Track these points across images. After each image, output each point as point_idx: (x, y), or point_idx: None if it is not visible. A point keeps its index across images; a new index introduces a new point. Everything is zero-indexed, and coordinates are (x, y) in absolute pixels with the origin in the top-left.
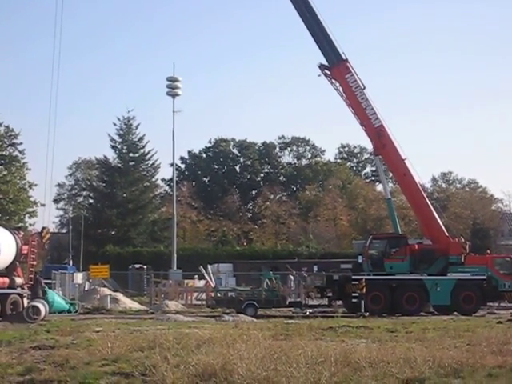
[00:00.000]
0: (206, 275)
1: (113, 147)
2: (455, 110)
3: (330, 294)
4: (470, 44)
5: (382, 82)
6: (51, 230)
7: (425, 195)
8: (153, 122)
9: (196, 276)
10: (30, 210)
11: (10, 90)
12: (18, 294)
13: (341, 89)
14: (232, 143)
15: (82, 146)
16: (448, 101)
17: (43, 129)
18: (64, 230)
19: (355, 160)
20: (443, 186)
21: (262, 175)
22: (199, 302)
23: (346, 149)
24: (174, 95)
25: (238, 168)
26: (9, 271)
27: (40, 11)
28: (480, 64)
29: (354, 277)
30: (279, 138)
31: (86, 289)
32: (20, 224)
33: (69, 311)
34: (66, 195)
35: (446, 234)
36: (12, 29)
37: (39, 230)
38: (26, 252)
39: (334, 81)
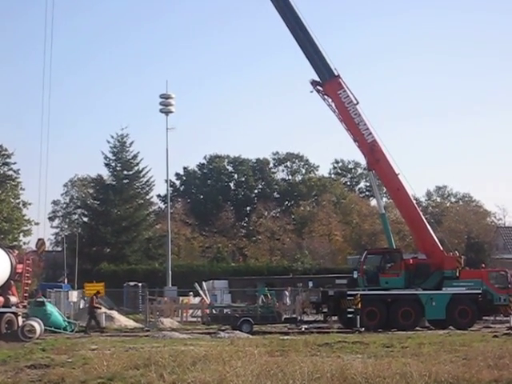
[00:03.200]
0: (201, 292)
1: (107, 165)
2: (449, 123)
3: (325, 310)
4: (466, 57)
5: (375, 96)
6: (46, 248)
7: (419, 210)
8: (147, 138)
9: (191, 293)
10: (25, 228)
11: (2, 107)
12: (13, 312)
13: (333, 105)
14: (226, 160)
15: (77, 163)
16: (442, 115)
17: (37, 146)
18: (59, 248)
19: (349, 175)
20: (438, 200)
21: (256, 191)
22: (194, 319)
23: (340, 164)
24: (167, 112)
25: (232, 184)
26: (3, 290)
27: (30, 27)
28: (474, 74)
29: (349, 292)
30: (273, 154)
31: (81, 307)
32: (14, 243)
33: (65, 329)
34: (60, 213)
35: (441, 248)
36: (2, 46)
37: (34, 248)
38: (20, 271)
39: (326, 97)
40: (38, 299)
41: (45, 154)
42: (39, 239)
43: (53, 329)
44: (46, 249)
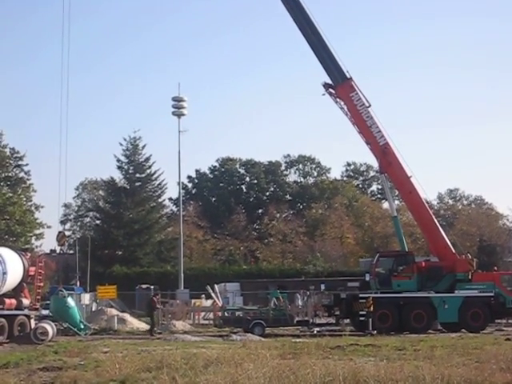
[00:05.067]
0: (213, 295)
1: (119, 168)
2: (461, 126)
3: (337, 313)
4: (481, 61)
5: (387, 98)
6: (58, 252)
7: (431, 212)
8: (159, 141)
9: (203, 295)
10: (37, 231)
11: (14, 110)
12: (26, 315)
13: (345, 107)
14: (238, 162)
15: (89, 167)
16: (454, 117)
17: (48, 149)
18: (71, 251)
19: (361, 178)
20: (450, 202)
21: (268, 194)
22: (206, 322)
23: (352, 167)
24: (179, 115)
25: (244, 187)
26: (16, 292)
27: (41, 29)
28: (488, 80)
29: (361, 295)
30: (285, 157)
31: (93, 309)
32: (26, 246)
33: (79, 329)
34: (72, 216)
35: (453, 251)
36: (15, 49)
37: (46, 251)
38: (33, 273)
39: (338, 99)
40: (61, 290)
41: (64, 160)
42: (60, 232)
43: (68, 325)
44: (58, 251)
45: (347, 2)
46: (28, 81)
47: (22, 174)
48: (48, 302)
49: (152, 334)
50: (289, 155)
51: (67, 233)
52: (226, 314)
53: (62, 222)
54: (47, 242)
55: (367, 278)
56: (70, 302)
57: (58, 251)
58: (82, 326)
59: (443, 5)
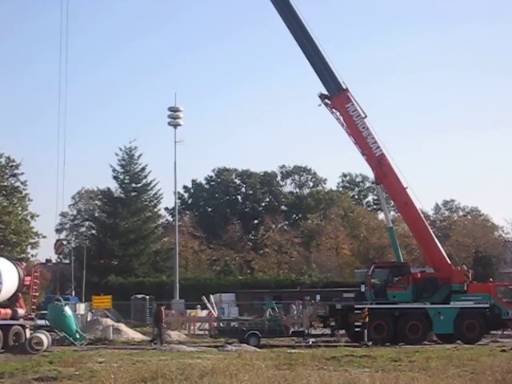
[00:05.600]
0: (208, 305)
1: (115, 178)
2: (457, 136)
3: (332, 324)
4: (472, 69)
5: (383, 108)
6: (53, 261)
7: (427, 223)
8: (155, 151)
9: (198, 306)
10: (32, 240)
11: (10, 119)
12: (21, 325)
13: (341, 118)
14: (234, 173)
15: (85, 176)
16: (450, 129)
17: (44, 157)
18: (66, 261)
19: (357, 189)
20: (446, 214)
21: (263, 204)
22: (202, 332)
23: (348, 177)
24: (175, 125)
25: (240, 197)
26: (11, 302)
27: (41, 37)
28: (483, 89)
29: (356, 306)
30: (280, 168)
31: (88, 319)
32: (22, 255)
33: (75, 339)
34: (68, 225)
35: (449, 262)
36: (11, 57)
37: (42, 261)
38: (28, 283)
39: (334, 110)
40: (58, 298)
41: (61, 169)
42: (57, 240)
43: (64, 334)
44: (54, 261)
45: (344, 8)
46: (23, 90)
47: (17, 184)
48: (43, 311)
49: (162, 343)
50: (284, 166)
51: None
52: (221, 324)
53: (58, 231)
54: (42, 252)
55: (363, 289)
56: (67, 310)
57: (55, 259)
58: (78, 336)
59: (439, 9)
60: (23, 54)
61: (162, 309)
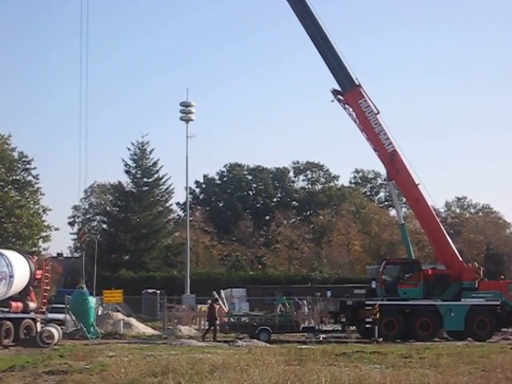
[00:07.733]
0: (219, 300)
1: (127, 172)
2: (469, 134)
3: (343, 320)
4: (486, 67)
5: (396, 105)
6: (65, 255)
7: (438, 220)
8: (167, 146)
9: (209, 301)
10: (44, 234)
11: (23, 113)
12: (32, 318)
13: (354, 114)
14: (246, 168)
15: (97, 170)
16: (462, 126)
17: (56, 153)
18: (77, 255)
19: (369, 185)
20: (457, 211)
21: (275, 200)
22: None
23: (360, 174)
24: (187, 120)
25: (251, 193)
26: (22, 296)
27: (57, 31)
28: (495, 87)
29: (367, 302)
30: (293, 164)
31: (99, 313)
32: (34, 248)
33: (88, 332)
34: (80, 219)
35: (460, 259)
36: (25, 52)
37: (54, 254)
38: (39, 277)
39: (347, 106)
40: (81, 286)
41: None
42: (79, 228)
43: (81, 325)
44: (65, 255)
45: (356, 6)
46: (32, 86)
47: (29, 178)
48: (54, 305)
49: (215, 339)
50: (297, 162)
51: (74, 236)
52: (231, 319)
53: (70, 224)
54: (54, 245)
55: (373, 286)
56: (91, 300)
57: (69, 251)
58: (92, 330)
59: (443, 9)
60: (39, 47)
61: (215, 305)
